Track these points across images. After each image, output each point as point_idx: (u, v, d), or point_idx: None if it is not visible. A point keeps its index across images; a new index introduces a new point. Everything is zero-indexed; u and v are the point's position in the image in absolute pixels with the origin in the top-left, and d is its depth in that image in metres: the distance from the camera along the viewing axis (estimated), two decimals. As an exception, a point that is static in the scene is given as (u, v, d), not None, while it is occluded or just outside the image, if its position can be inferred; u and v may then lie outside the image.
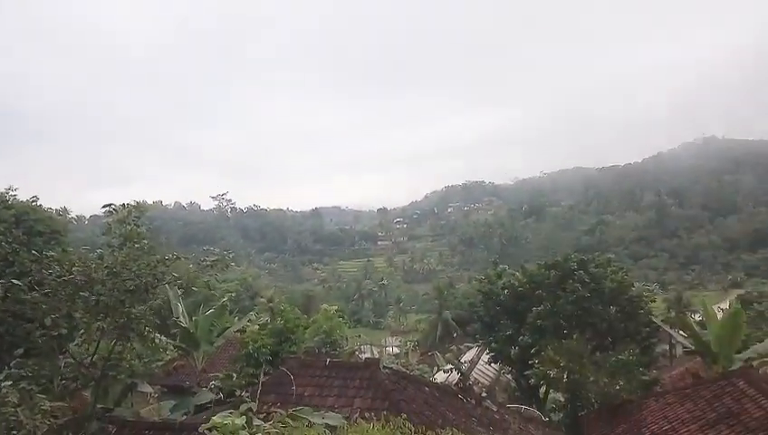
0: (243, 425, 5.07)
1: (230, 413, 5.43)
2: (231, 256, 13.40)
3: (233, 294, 40.79)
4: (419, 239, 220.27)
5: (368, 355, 31.14)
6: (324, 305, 26.18)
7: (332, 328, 22.53)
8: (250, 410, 5.68)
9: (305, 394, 11.68)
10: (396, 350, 62.28)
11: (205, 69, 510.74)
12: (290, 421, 5.76)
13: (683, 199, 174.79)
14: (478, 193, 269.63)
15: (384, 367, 12.60)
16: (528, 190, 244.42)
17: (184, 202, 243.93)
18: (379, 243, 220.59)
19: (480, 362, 35.82)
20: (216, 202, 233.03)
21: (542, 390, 25.15)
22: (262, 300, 68.51)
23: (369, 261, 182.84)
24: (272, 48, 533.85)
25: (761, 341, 24.66)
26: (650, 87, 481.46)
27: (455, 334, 65.37)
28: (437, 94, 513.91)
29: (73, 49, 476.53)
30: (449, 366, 30.76)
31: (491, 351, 29.07)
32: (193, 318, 21.05)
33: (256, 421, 5.56)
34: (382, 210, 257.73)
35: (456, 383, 24.57)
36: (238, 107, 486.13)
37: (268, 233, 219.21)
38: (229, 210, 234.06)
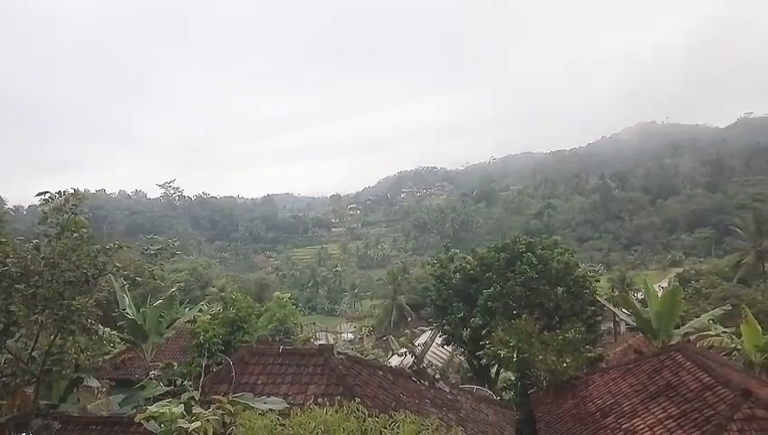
0: (182, 413, 4.94)
1: (168, 402, 5.29)
2: (177, 244, 13.03)
3: (182, 284, 39.81)
4: (373, 225, 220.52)
5: (323, 342, 31.10)
6: (277, 293, 25.99)
7: (286, 316, 22.41)
8: (192, 398, 5.56)
9: (258, 383, 11.56)
10: (351, 336, 62.44)
11: (152, 53, 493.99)
12: (231, 408, 5.67)
13: (625, 182, 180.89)
14: (430, 178, 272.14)
15: (338, 353, 12.59)
16: (479, 175, 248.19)
17: (129, 191, 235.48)
18: (332, 229, 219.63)
19: (433, 344, 36.39)
20: (163, 190, 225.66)
21: (494, 369, 25.75)
22: (213, 289, 67.10)
23: (322, 248, 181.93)
24: (223, 33, 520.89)
25: (697, 316, 26.01)
26: (596, 75, 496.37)
27: (409, 318, 66.14)
28: (391, 82, 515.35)
29: (12, 32, 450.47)
30: (403, 350, 31.06)
31: (444, 333, 29.51)
32: (141, 310, 20.52)
33: (197, 409, 5.44)
34: (335, 197, 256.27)
35: (410, 366, 24.84)
36: (187, 93, 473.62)
37: (218, 221, 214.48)
38: (177, 198, 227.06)
